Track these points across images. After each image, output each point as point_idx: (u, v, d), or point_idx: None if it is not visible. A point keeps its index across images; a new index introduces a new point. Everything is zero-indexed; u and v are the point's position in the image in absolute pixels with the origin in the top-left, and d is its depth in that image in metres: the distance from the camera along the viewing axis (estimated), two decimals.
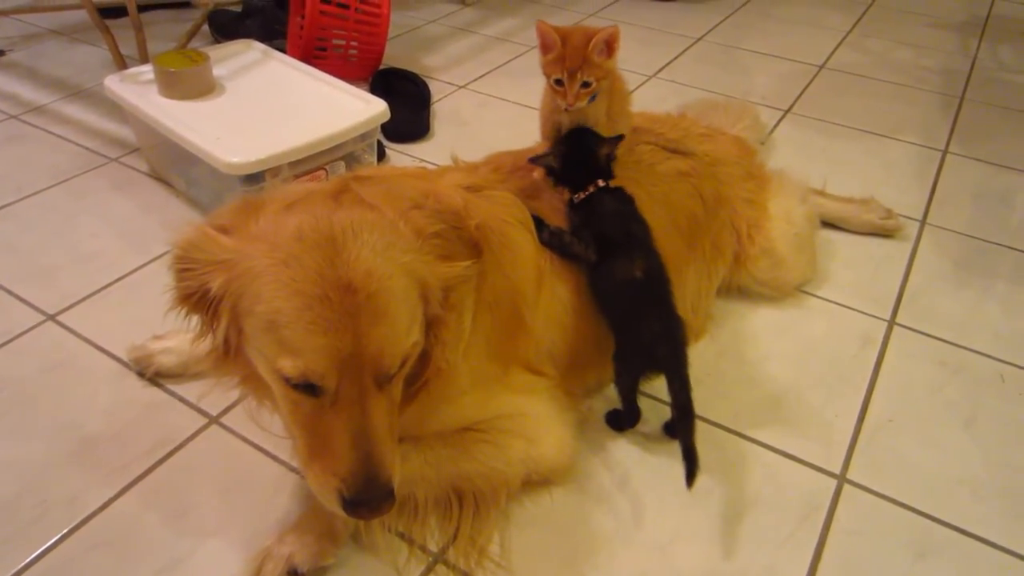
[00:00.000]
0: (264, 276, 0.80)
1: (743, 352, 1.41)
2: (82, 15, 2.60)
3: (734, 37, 2.80)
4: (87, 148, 1.93)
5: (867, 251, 1.68)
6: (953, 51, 2.76)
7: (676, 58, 2.60)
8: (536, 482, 1.11)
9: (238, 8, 2.53)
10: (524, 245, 1.12)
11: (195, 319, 0.91)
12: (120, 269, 1.52)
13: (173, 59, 1.69)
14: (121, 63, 2.18)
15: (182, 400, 1.25)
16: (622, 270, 1.14)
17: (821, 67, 2.58)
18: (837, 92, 2.41)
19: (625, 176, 1.29)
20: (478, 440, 1.07)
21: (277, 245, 0.81)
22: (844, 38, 2.82)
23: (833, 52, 2.70)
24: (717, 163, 1.46)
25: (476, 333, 1.04)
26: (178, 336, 1.28)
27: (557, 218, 1.19)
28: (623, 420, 1.22)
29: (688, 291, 1.36)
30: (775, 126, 2.18)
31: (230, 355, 0.90)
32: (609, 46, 1.15)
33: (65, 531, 1.04)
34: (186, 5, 2.66)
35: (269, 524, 1.06)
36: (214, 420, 1.22)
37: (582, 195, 1.19)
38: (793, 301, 1.52)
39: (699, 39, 2.76)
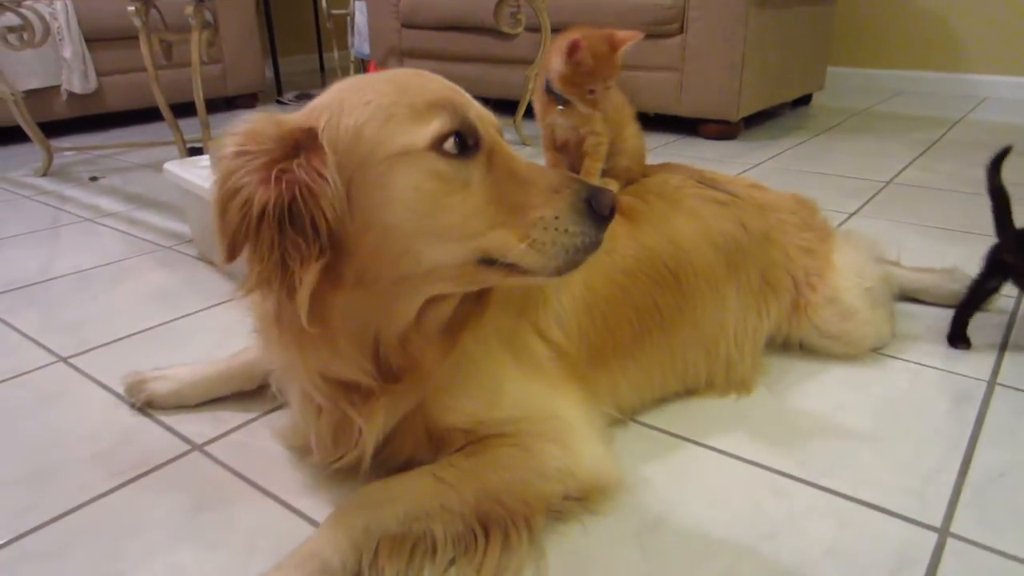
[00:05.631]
0: (359, 91, 0.77)
1: (809, 404, 1.19)
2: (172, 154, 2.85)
3: (795, 162, 2.78)
4: (146, 239, 2.00)
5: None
6: None
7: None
8: (574, 498, 0.92)
9: None
10: None
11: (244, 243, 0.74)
12: (144, 323, 1.49)
13: None
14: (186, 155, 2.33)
15: (167, 428, 1.15)
16: None
17: (888, 183, 2.48)
18: (907, 200, 2.29)
19: (644, 192, 1.21)
20: (504, 444, 0.91)
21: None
22: (912, 162, 2.74)
23: (901, 171, 2.61)
24: (766, 208, 1.33)
25: None
26: (178, 367, 1.21)
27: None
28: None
29: (729, 315, 1.20)
30: (842, 223, 2.05)
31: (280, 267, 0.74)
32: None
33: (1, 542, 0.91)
34: None
35: (240, 546, 0.90)
36: (197, 447, 1.10)
37: None
38: (869, 360, 1.31)
39: (757, 165, 2.75)
